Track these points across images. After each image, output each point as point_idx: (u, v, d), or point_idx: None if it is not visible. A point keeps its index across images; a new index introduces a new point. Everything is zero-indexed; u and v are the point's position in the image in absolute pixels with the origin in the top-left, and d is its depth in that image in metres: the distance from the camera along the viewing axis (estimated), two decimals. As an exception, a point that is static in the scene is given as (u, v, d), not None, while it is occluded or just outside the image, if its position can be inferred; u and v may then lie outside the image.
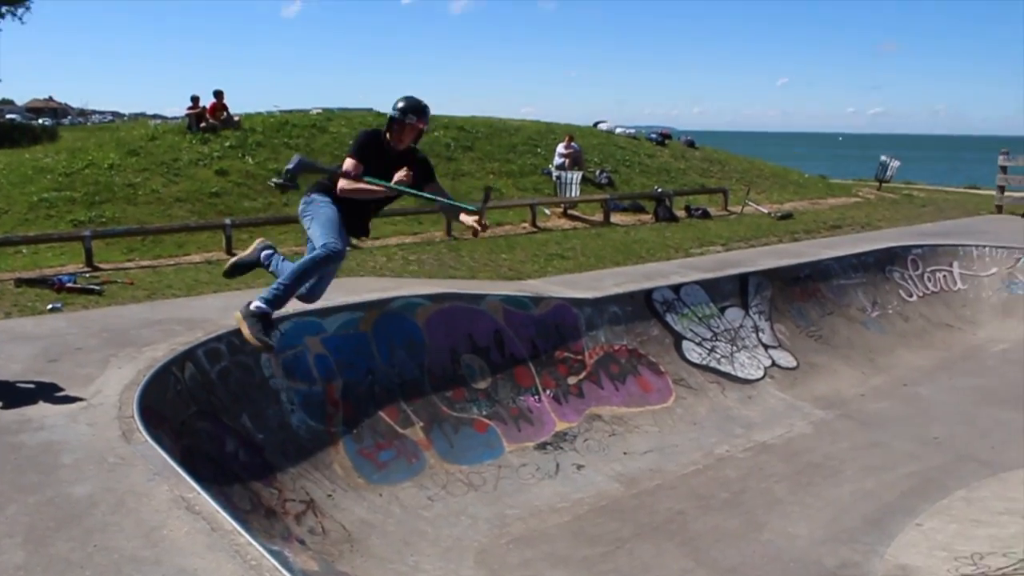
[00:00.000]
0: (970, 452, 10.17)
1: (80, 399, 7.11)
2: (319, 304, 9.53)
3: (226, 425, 7.97)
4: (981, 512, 8.64)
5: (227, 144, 19.88)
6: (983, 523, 8.38)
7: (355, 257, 14.33)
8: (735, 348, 12.20)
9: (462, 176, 21.39)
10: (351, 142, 6.44)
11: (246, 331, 6.12)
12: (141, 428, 6.58)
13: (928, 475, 9.54)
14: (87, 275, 12.48)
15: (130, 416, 6.76)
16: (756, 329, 12.81)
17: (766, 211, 22.41)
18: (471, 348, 10.17)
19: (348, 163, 6.31)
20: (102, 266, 13.33)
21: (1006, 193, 24.45)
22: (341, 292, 10.41)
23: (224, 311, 9.67)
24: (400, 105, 6.34)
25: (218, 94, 21.66)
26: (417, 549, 7.65)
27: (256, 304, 6.14)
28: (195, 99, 21.40)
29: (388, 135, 6.46)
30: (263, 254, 6.88)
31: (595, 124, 31.99)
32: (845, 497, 9.01)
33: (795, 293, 13.99)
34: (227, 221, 14.80)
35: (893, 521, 8.52)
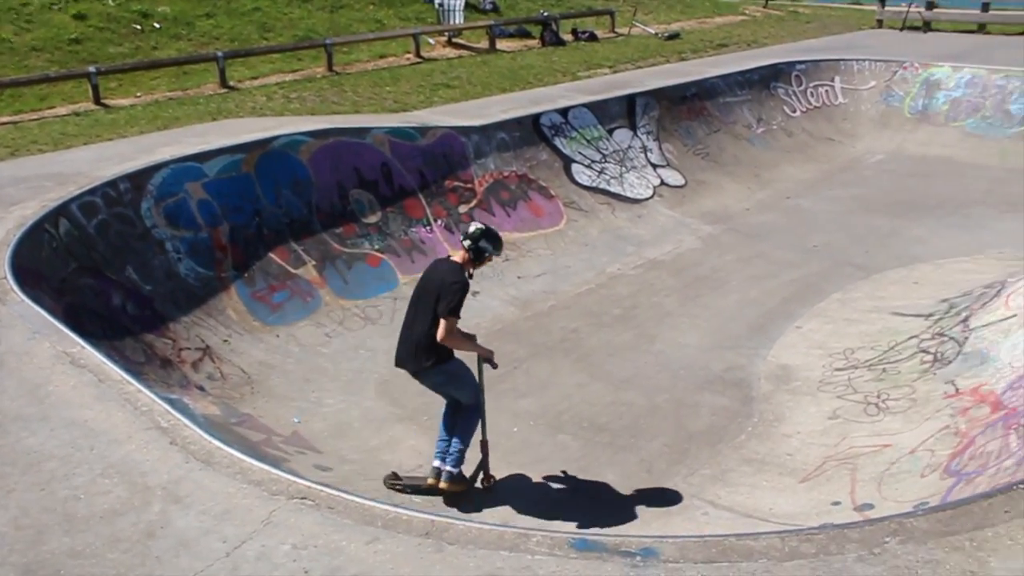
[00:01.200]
0: (846, 257, 10.67)
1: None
2: (197, 148, 9.26)
3: (110, 279, 7.77)
4: (853, 312, 9.16)
5: (83, -17, 18.50)
6: (855, 321, 8.89)
7: (233, 99, 13.81)
8: (624, 169, 12.32)
9: (341, 8, 20.44)
10: (456, 292, 5.90)
11: (461, 491, 6.05)
12: (15, 288, 6.35)
13: (807, 281, 10.00)
14: (-61, 133, 11.70)
15: (2, 277, 6.51)
16: (644, 149, 12.93)
17: (653, 32, 22.22)
18: (359, 183, 10.03)
19: (455, 320, 5.94)
20: (-45, 123, 12.49)
21: (886, 7, 24.77)
22: (220, 134, 10.06)
23: (96, 162, 9.26)
24: (494, 245, 6.20)
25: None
26: (318, 385, 7.75)
27: (449, 472, 6.00)
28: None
29: (469, 267, 6.20)
30: (446, 471, 6.06)
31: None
32: (731, 306, 9.41)
33: (682, 112, 14.09)
34: (91, 69, 13.87)
35: (775, 326, 8.96)
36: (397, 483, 5.97)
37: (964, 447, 6.15)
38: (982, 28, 23.12)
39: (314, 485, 4.31)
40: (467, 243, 6.11)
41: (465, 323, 8.78)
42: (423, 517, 4.00)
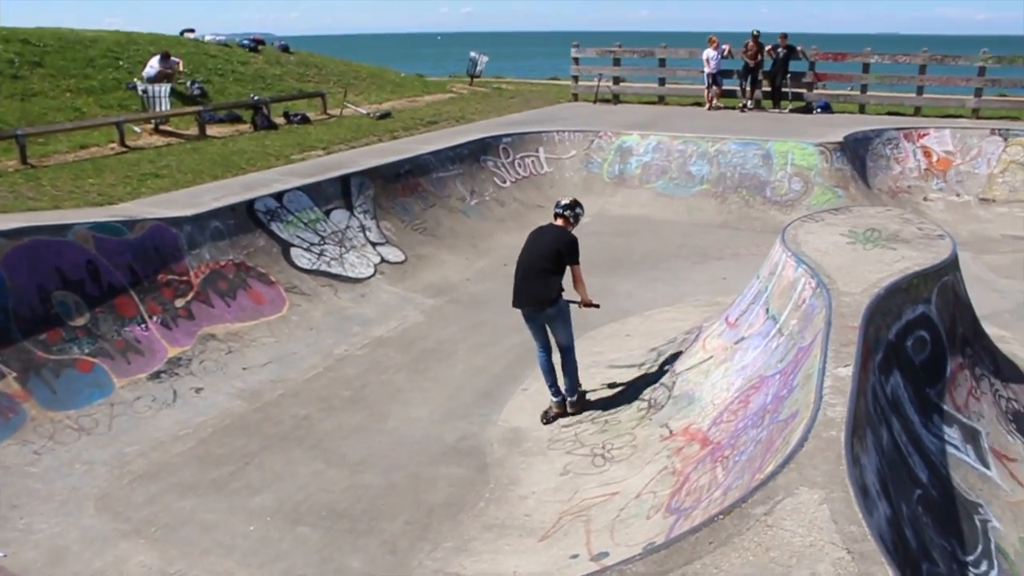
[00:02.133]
0: (563, 317, 11.22)
1: None
2: None
3: None
4: (574, 369, 9.65)
5: None
6: (576, 378, 9.37)
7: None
8: (344, 249, 12.37)
9: (33, 96, 19.19)
10: (575, 245, 8.77)
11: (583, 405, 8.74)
12: None
13: (530, 344, 10.30)
14: None
15: None
16: (363, 228, 13.05)
17: (365, 112, 22.59)
18: (62, 283, 9.39)
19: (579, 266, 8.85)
20: None
21: (579, 82, 26.75)
22: None
23: None
24: (582, 209, 9.15)
25: None
26: (28, 509, 7.11)
27: (572, 401, 8.67)
28: None
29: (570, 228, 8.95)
30: (556, 398, 8.69)
31: (182, 32, 30.06)
32: (459, 376, 9.63)
33: (397, 189, 14.40)
34: None
35: (502, 390, 9.27)
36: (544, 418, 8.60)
37: (681, 485, 6.64)
38: (662, 100, 25.47)
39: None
40: (566, 212, 8.89)
41: (189, 422, 8.50)
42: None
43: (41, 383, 8.55)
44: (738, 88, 23.50)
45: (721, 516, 4.20)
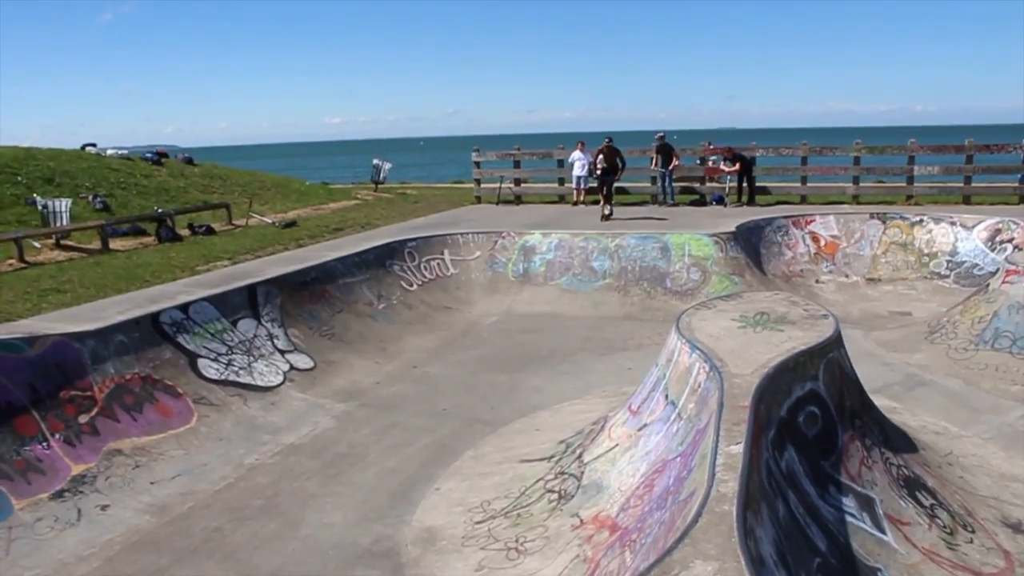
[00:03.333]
0: (475, 415, 11.40)
1: None
2: None
3: None
4: (486, 465, 9.78)
5: None
6: (488, 474, 9.49)
7: None
8: (252, 358, 12.36)
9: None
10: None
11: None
12: None
13: (442, 443, 10.54)
14: None
15: None
16: (271, 336, 13.07)
17: (271, 221, 22.75)
18: (-42, 404, 9.17)
19: None
20: None
21: (482, 185, 27.51)
22: None
23: None
24: None
25: None
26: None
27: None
28: None
29: None
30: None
31: (83, 147, 29.93)
32: (372, 479, 9.65)
33: (304, 297, 14.49)
34: None
35: (416, 490, 9.31)
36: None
37: (592, 571, 6.78)
38: (562, 199, 26.32)
39: None
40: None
41: (94, 541, 8.31)
42: None
43: (-65, 508, 8.28)
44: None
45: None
